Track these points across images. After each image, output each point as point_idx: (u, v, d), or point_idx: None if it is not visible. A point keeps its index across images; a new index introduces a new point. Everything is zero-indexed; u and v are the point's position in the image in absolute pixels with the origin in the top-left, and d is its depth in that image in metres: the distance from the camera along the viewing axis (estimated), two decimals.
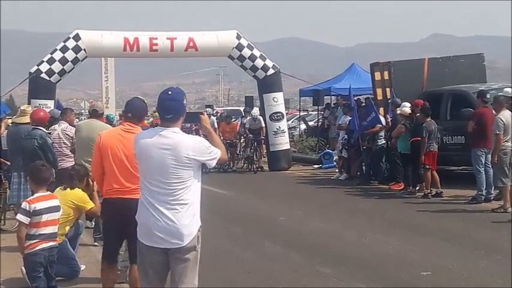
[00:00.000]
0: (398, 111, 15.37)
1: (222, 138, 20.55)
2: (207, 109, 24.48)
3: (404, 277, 7.83)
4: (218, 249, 9.66)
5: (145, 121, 22.55)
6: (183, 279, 4.98)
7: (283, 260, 8.97)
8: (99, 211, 7.27)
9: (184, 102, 5.05)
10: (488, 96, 13.29)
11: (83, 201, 7.73)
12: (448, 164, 15.60)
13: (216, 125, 21.89)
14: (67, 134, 11.03)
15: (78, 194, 7.75)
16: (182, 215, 4.91)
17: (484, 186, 12.79)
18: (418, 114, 14.56)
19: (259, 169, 20.95)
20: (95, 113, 10.19)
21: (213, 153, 5.04)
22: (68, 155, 10.94)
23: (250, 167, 21.14)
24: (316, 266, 8.50)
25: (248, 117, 22.05)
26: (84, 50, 20.23)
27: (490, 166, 12.67)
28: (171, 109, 4.98)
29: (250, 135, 21.30)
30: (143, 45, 20.66)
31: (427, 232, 10.55)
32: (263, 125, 21.10)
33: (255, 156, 21.15)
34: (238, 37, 21.28)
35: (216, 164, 5.16)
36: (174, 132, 4.96)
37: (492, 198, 12.80)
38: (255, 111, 22.12)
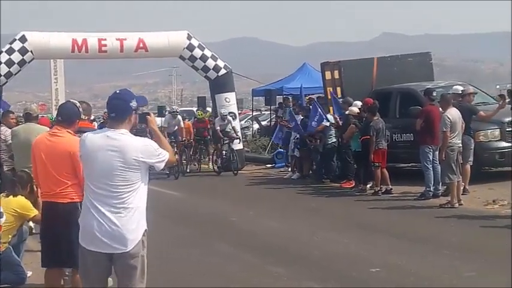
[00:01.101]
0: (347, 112, 15.45)
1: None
2: (174, 107, 23.26)
3: (355, 274, 7.90)
4: (169, 251, 9.63)
5: (96, 123, 22.15)
6: (130, 284, 4.91)
7: (234, 260, 8.97)
8: None
9: (132, 104, 4.95)
10: (434, 94, 13.50)
11: (25, 209, 7.54)
12: (397, 161, 15.80)
13: (182, 124, 20.75)
14: (4, 139, 10.74)
15: (20, 202, 7.56)
16: (128, 219, 4.82)
17: (432, 183, 12.99)
18: (366, 114, 14.70)
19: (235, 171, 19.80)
20: (29, 117, 10.01)
21: (162, 156, 4.96)
22: (6, 160, 10.66)
23: (225, 169, 19.98)
24: (268, 266, 8.51)
25: (217, 118, 20.98)
26: (31, 51, 19.91)
27: (438, 163, 12.88)
28: (115, 108, 4.93)
29: (225, 138, 20.22)
30: (92, 46, 20.42)
31: (376, 229, 10.67)
32: (233, 124, 20.67)
33: (231, 157, 19.90)
34: (189, 37, 21.21)
35: (164, 166, 5.11)
36: (121, 134, 4.88)
37: (440, 194, 13.00)
38: (224, 110, 21.03)
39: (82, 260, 5.04)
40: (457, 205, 11.98)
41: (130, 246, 4.85)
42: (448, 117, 12.18)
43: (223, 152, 20.15)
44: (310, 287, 7.46)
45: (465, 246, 9.05)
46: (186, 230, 11.49)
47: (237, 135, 20.61)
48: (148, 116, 5.24)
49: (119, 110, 4.92)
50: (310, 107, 18.11)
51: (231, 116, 21.06)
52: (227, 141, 20.17)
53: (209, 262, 8.96)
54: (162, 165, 5.01)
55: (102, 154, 4.85)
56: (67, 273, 6.73)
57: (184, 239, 10.65)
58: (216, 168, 20.58)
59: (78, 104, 6.86)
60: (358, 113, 15.05)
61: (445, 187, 13.02)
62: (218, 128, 20.23)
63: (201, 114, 22.11)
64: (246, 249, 9.64)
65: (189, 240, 10.56)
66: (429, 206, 12.31)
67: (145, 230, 4.98)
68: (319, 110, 16.71)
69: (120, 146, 4.84)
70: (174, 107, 23.25)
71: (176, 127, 20.42)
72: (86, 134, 5.29)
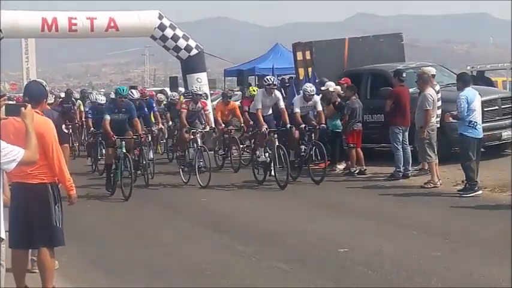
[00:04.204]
0: (331, 89, 15.15)
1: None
2: (269, 77, 14.92)
3: (323, 254, 7.95)
4: (137, 231, 9.64)
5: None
6: None
7: (204, 241, 8.99)
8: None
9: None
10: (404, 75, 13.56)
11: None
12: (368, 142, 15.81)
13: (282, 104, 13.92)
14: None
15: None
16: None
17: (402, 163, 13.07)
18: (343, 93, 14.63)
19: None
20: None
21: (10, 156, 4.72)
22: None
23: (298, 173, 13.75)
24: (237, 246, 8.54)
25: (297, 96, 14.63)
26: (0, 30, 19.61)
27: (407, 143, 12.97)
28: None
29: (304, 125, 13.58)
30: (62, 26, 20.22)
31: (346, 209, 10.74)
32: (320, 107, 14.08)
33: (315, 156, 13.79)
34: (160, 17, 21.10)
35: (21, 165, 4.86)
36: None
37: (410, 174, 13.10)
38: (308, 86, 14.34)
39: None
40: (439, 183, 12.05)
41: None
42: (431, 96, 12.23)
43: (302, 147, 13.84)
44: (278, 267, 7.48)
45: (434, 227, 9.13)
46: (154, 209, 11.44)
47: (323, 124, 13.93)
48: (23, 108, 4.98)
49: None
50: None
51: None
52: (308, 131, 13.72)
53: (176, 242, 8.98)
54: (11, 166, 4.77)
55: None
56: (34, 258, 6.73)
57: (153, 219, 10.64)
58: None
59: (44, 84, 6.84)
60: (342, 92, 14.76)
61: (418, 168, 13.18)
62: (298, 110, 13.88)
63: (255, 90, 16.70)
64: (214, 229, 9.66)
65: (157, 220, 10.56)
66: (399, 187, 12.38)
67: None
68: (295, 94, 16.36)
69: None
70: (270, 77, 14.84)
71: (270, 110, 14.36)
72: None
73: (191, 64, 21.47)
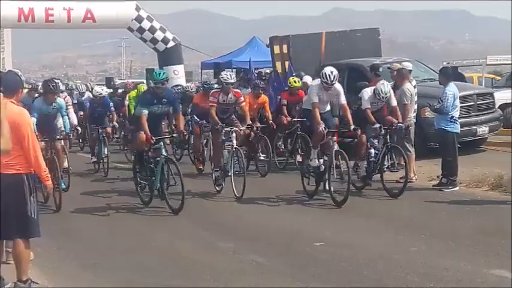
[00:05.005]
0: (310, 83, 15.09)
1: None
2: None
3: (299, 248, 7.98)
4: (117, 225, 9.59)
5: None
6: None
7: (183, 235, 8.97)
8: None
9: None
10: (380, 69, 13.60)
11: None
12: (343, 136, 15.83)
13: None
14: None
15: None
16: None
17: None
18: None
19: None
20: None
21: None
22: None
23: (364, 183, 11.67)
24: (217, 241, 8.52)
25: (367, 89, 11.91)
26: None
27: None
28: None
29: (379, 124, 11.29)
30: (39, 16, 20.12)
31: (321, 203, 10.75)
32: (395, 102, 11.68)
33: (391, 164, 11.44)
34: (138, 9, 21.04)
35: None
36: None
37: (385, 169, 13.10)
38: (384, 85, 11.55)
39: None
40: (414, 178, 12.09)
41: None
42: (409, 90, 12.27)
43: (372, 151, 11.59)
44: (254, 260, 7.51)
45: (410, 222, 9.19)
46: (137, 204, 11.31)
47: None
48: None
49: None
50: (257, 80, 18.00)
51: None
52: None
53: (156, 237, 8.95)
54: None
55: None
56: (9, 250, 6.67)
57: (134, 213, 10.59)
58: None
59: (20, 73, 6.82)
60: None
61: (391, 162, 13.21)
62: (368, 106, 11.51)
63: (298, 82, 14.63)
64: (193, 224, 9.68)
65: (139, 214, 10.51)
66: (374, 181, 12.38)
67: None
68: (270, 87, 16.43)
69: None
70: (328, 72, 11.01)
71: (328, 106, 11.92)
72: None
73: (168, 56, 21.48)
